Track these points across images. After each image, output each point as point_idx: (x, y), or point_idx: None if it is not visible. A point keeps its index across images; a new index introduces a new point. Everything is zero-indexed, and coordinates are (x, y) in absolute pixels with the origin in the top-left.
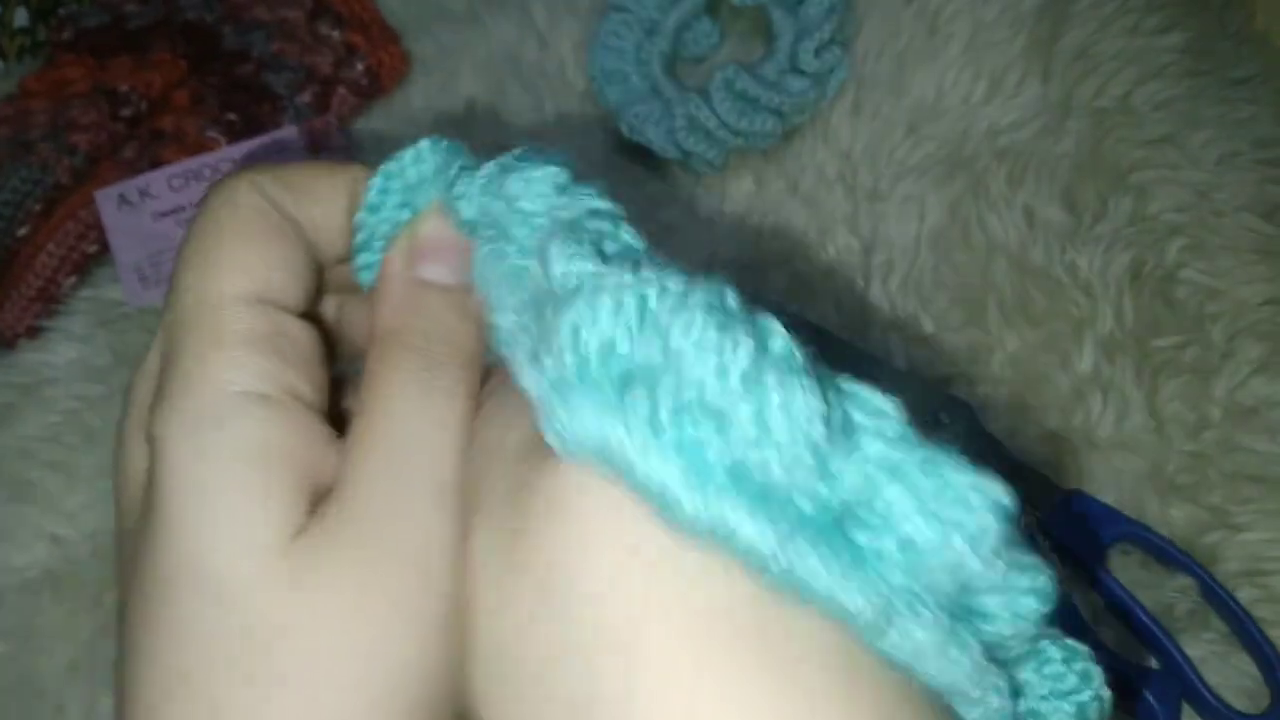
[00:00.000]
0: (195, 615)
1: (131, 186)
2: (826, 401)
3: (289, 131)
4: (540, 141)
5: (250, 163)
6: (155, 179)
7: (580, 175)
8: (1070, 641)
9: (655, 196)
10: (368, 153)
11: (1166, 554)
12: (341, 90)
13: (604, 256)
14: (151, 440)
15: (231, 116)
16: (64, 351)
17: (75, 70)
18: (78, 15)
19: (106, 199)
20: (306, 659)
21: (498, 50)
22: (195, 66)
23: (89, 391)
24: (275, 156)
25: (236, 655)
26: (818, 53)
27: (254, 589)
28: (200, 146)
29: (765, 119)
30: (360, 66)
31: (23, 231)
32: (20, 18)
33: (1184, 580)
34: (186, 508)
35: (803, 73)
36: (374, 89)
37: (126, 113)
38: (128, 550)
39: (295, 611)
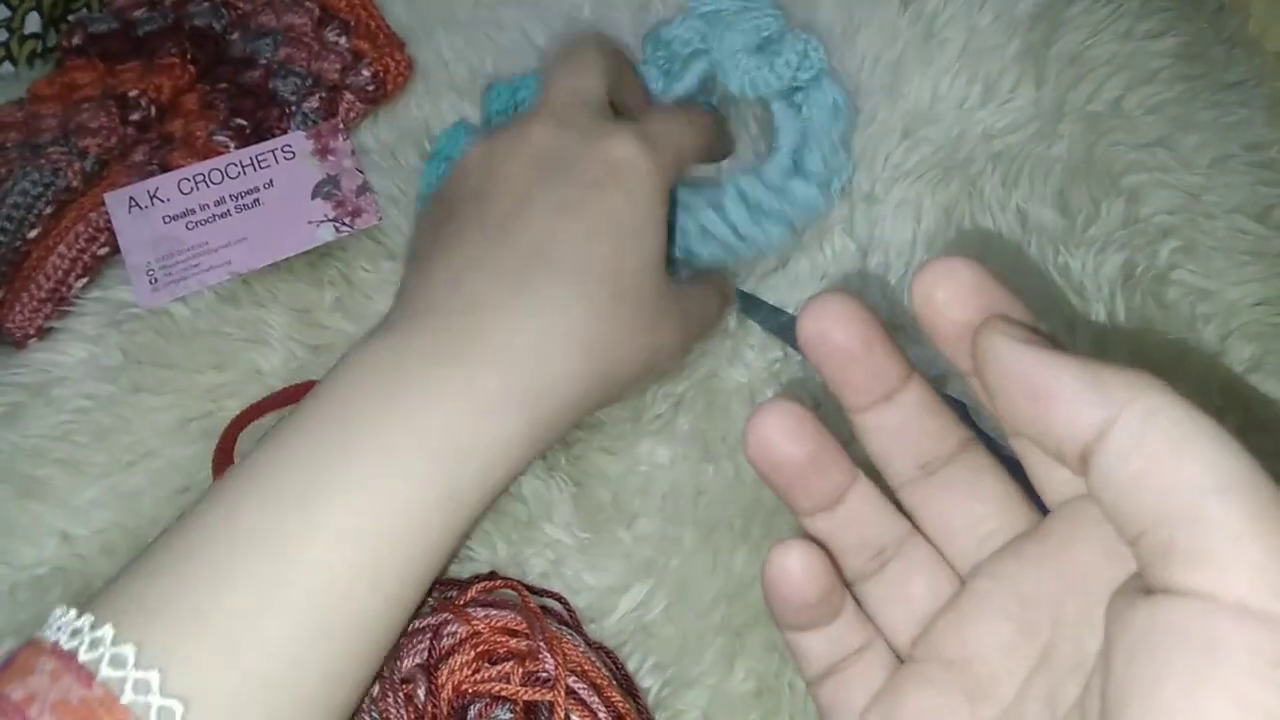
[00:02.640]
0: None
1: (142, 189)
2: None
3: (296, 137)
4: None
5: (258, 167)
6: (165, 182)
7: None
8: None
9: None
10: (374, 158)
11: None
12: (348, 96)
13: None
14: None
15: (240, 122)
16: (74, 351)
17: (85, 75)
18: (87, 21)
19: (117, 202)
20: None
21: (501, 58)
22: (204, 72)
23: (99, 391)
24: (283, 162)
25: None
26: (826, 160)
27: None
28: (209, 151)
29: (775, 228)
30: (366, 73)
31: (33, 233)
32: (31, 23)
33: None
34: None
35: (809, 178)
36: (379, 95)
37: (136, 117)
38: None
39: None
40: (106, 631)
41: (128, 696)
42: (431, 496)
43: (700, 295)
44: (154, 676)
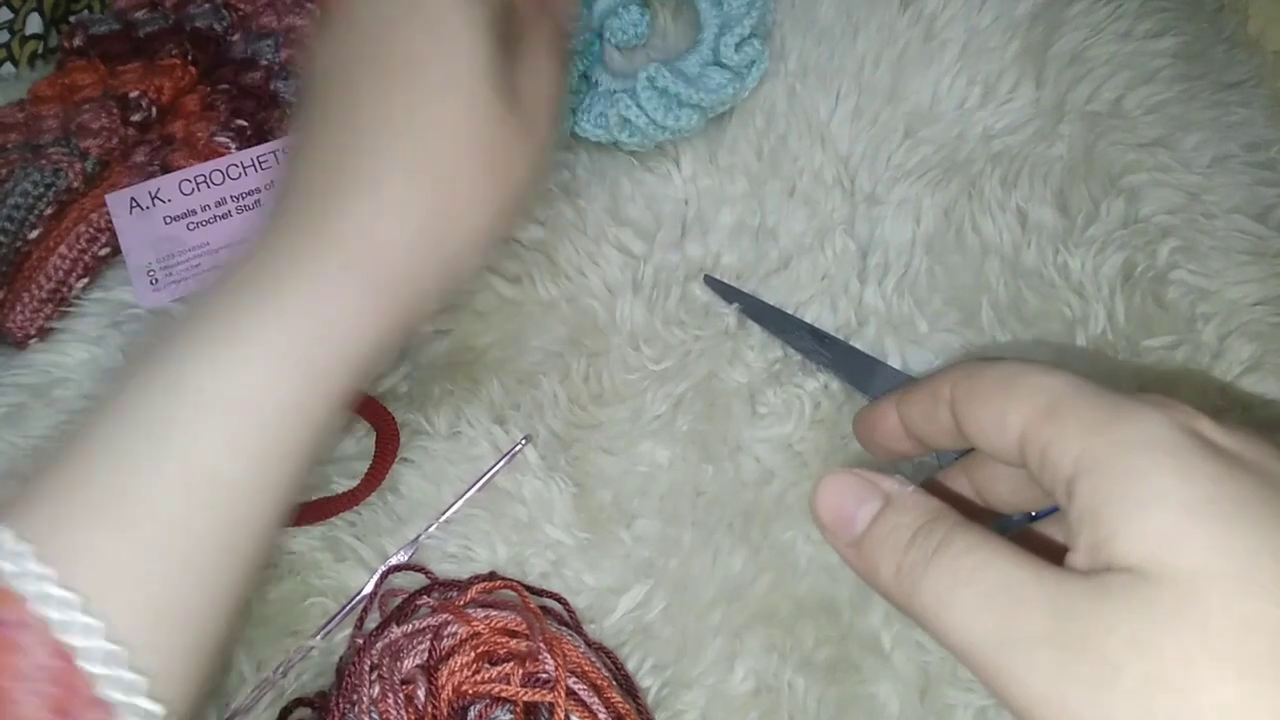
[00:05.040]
0: None
1: (143, 190)
2: None
3: None
4: None
5: (259, 168)
6: (166, 183)
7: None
8: None
9: (656, 204)
10: None
11: None
12: None
13: None
14: None
15: (241, 123)
16: (75, 352)
17: (86, 76)
18: (88, 22)
19: (118, 202)
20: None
21: None
22: (205, 73)
23: (100, 392)
24: (284, 163)
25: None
26: (738, 47)
27: None
28: (210, 152)
29: (689, 114)
30: None
31: (35, 234)
32: (32, 24)
33: None
34: None
35: (723, 66)
36: None
37: (137, 118)
38: None
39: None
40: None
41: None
42: (288, 370)
43: (536, 82)
44: (51, 573)
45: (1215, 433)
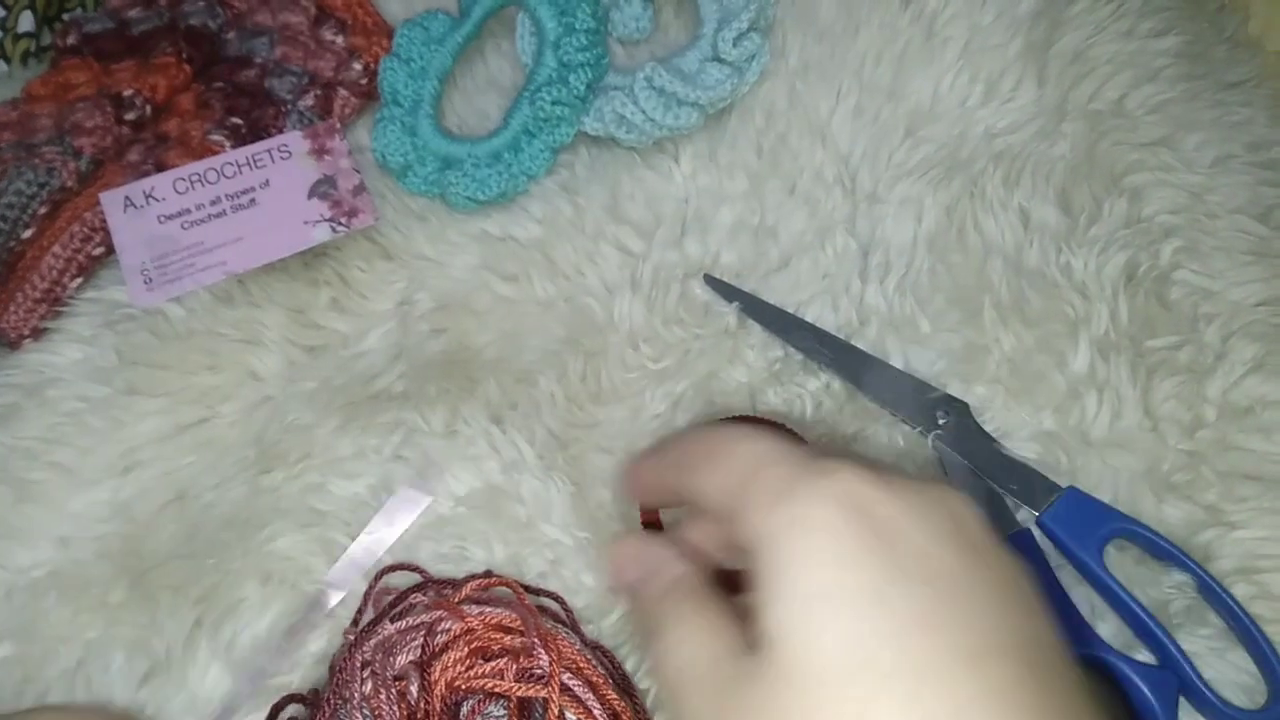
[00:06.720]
0: None
1: (137, 189)
2: None
3: (293, 136)
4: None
5: (254, 167)
6: (161, 182)
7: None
8: None
9: (655, 202)
10: (369, 157)
11: (1163, 551)
12: (342, 92)
13: None
14: None
15: (235, 121)
16: (68, 352)
17: (80, 74)
18: (82, 20)
19: (112, 201)
20: None
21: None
22: (199, 72)
23: (93, 392)
24: (279, 161)
25: None
26: (736, 41)
27: None
28: (205, 150)
29: (688, 112)
30: (358, 66)
31: (28, 233)
32: (25, 22)
33: (1180, 577)
34: None
35: (722, 61)
36: (372, 87)
37: (131, 116)
38: None
39: None
40: None
41: None
42: None
43: None
44: None
45: (880, 500)
